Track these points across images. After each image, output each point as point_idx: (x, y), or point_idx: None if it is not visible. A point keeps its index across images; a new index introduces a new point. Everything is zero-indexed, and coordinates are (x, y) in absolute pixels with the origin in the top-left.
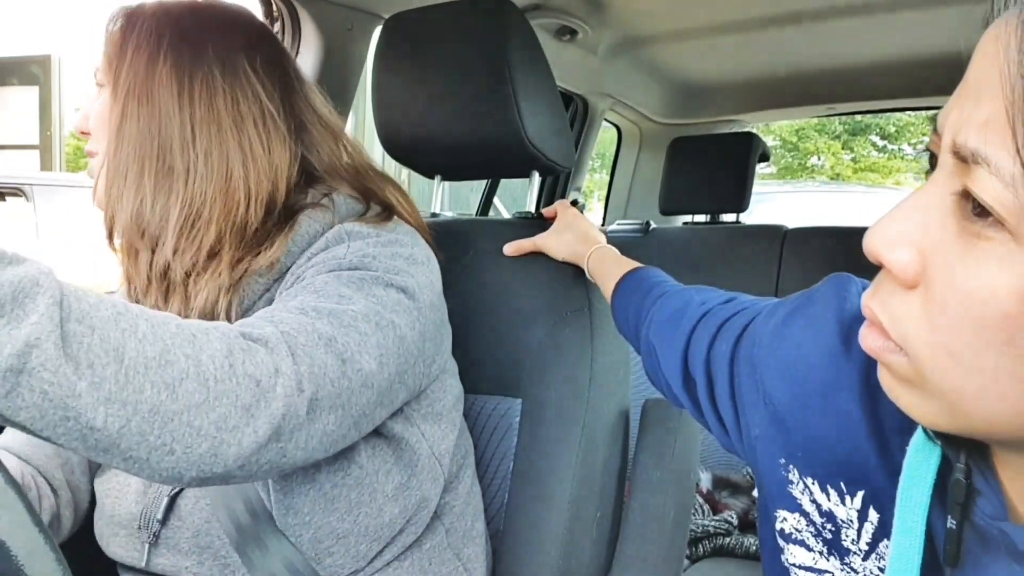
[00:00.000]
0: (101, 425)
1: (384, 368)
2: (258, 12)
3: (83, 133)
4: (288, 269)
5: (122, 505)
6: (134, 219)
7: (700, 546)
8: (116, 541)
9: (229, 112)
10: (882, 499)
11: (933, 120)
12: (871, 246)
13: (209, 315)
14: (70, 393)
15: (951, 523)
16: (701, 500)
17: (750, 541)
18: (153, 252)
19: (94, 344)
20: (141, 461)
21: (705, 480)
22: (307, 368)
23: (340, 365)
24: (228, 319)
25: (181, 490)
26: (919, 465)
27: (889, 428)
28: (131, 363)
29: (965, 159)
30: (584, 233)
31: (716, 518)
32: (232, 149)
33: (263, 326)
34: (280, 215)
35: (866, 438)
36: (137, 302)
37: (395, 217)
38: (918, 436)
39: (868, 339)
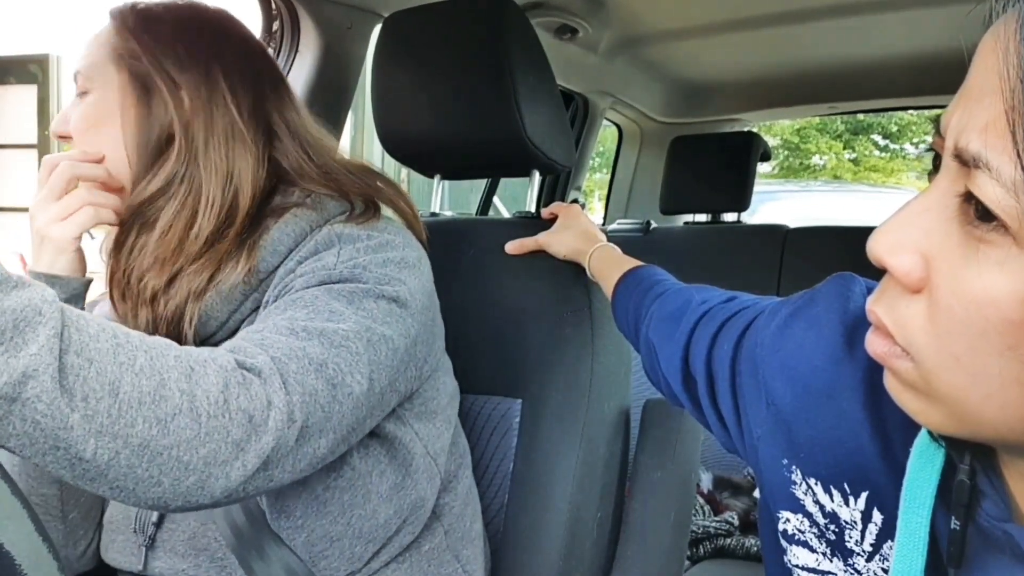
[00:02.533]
0: (91, 456)
1: (375, 384)
2: (257, 11)
3: (62, 137)
4: (275, 271)
5: (117, 509)
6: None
7: (701, 547)
8: (114, 547)
9: (201, 127)
10: (886, 500)
11: (936, 121)
12: (875, 251)
13: (176, 324)
14: (62, 425)
15: (955, 524)
16: (702, 501)
17: (751, 542)
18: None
19: (90, 377)
20: (128, 491)
21: (706, 481)
22: (299, 397)
23: (331, 390)
24: (190, 329)
25: None
26: (923, 466)
27: (893, 429)
28: (126, 397)
29: (967, 163)
30: (586, 231)
31: (717, 519)
32: (201, 160)
33: (256, 353)
34: (245, 222)
35: (869, 439)
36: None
37: (384, 216)
38: (922, 437)
39: (874, 344)
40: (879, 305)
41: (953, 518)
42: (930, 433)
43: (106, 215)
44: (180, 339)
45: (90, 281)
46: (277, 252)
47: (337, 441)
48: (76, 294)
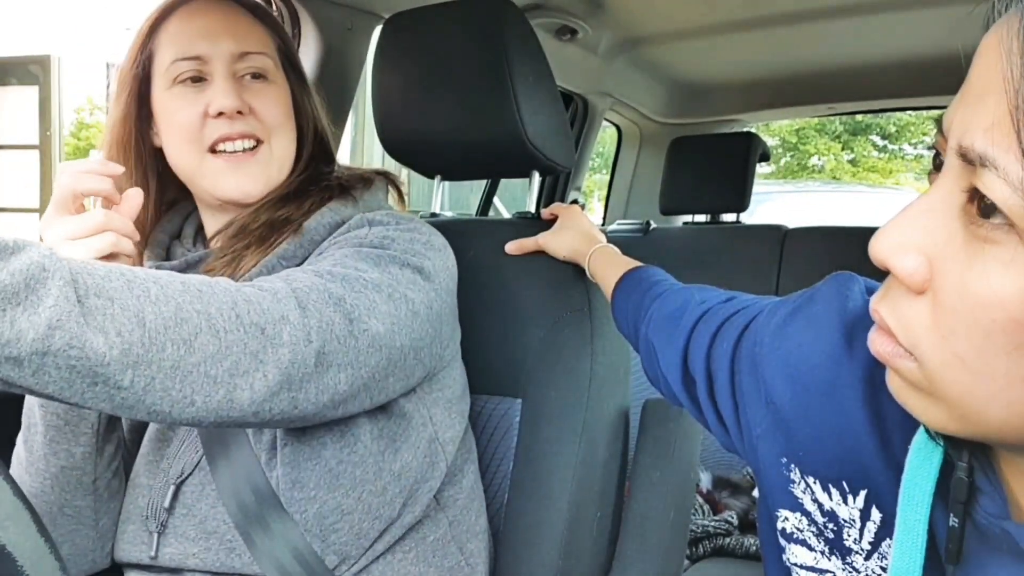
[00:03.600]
0: (128, 384)
1: (396, 336)
2: None
3: (240, 113)
4: (306, 259)
5: (128, 499)
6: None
7: (700, 546)
8: (124, 538)
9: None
10: (884, 498)
11: (938, 121)
12: (878, 252)
13: None
14: (99, 362)
15: (953, 521)
16: (701, 500)
17: (750, 541)
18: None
19: (117, 314)
20: (164, 414)
21: (705, 480)
22: (316, 321)
23: (347, 324)
24: None
25: (185, 479)
26: (921, 464)
27: (891, 427)
28: (152, 325)
29: (972, 162)
30: (586, 232)
31: (716, 518)
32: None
33: (275, 281)
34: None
35: (868, 437)
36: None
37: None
38: (920, 435)
39: (877, 344)
40: (883, 305)
41: (951, 515)
42: (928, 431)
43: (126, 245)
44: None
45: None
46: (313, 241)
47: (357, 383)
48: None
